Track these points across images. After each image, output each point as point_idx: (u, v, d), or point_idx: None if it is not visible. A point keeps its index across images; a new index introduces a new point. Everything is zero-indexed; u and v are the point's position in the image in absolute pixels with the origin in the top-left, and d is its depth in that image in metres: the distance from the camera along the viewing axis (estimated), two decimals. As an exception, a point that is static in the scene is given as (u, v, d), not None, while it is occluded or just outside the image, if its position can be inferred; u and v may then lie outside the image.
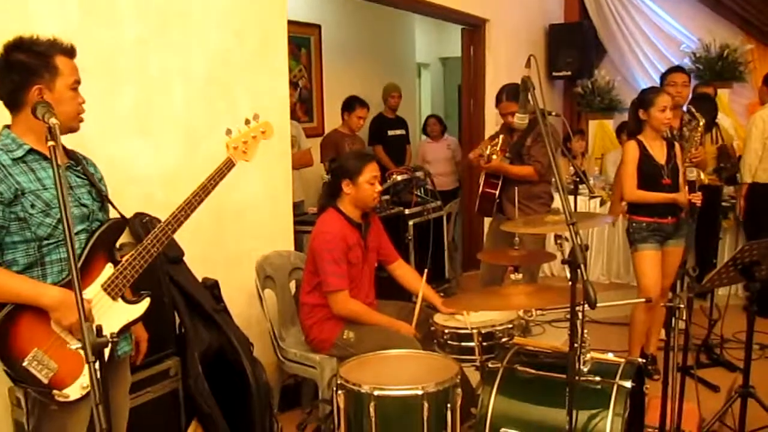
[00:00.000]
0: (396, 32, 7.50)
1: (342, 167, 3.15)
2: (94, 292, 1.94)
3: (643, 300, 3.40)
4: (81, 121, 2.00)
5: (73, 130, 1.98)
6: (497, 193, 4.07)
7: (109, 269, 1.99)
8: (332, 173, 3.17)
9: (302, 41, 6.03)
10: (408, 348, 2.68)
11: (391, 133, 6.24)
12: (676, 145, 3.83)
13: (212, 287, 3.08)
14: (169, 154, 3.12)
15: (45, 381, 1.84)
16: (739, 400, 2.92)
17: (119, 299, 1.99)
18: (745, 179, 5.00)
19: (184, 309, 2.88)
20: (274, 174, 3.71)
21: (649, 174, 3.72)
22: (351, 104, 5.46)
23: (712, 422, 3.02)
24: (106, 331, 1.54)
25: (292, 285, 3.56)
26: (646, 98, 3.72)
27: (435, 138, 6.76)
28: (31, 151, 1.91)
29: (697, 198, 3.74)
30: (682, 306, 2.53)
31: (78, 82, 1.97)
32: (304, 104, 6.16)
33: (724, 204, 5.21)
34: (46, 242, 1.90)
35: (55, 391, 1.84)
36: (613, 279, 5.98)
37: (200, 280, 3.05)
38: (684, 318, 2.59)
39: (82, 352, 1.45)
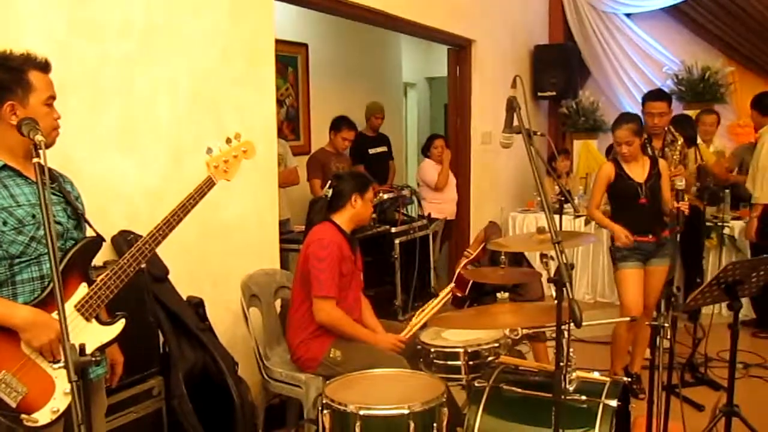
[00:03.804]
0: (383, 52, 7.56)
1: (353, 181, 3.23)
2: (67, 312, 1.89)
3: (628, 319, 3.42)
4: (56, 136, 1.97)
5: (47, 146, 1.94)
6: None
7: (83, 289, 1.94)
8: (339, 187, 3.21)
9: (289, 60, 6.06)
10: (395, 368, 2.67)
11: (372, 151, 6.15)
12: (661, 162, 3.86)
13: (197, 306, 3.06)
14: (154, 171, 3.11)
15: (13, 404, 1.78)
16: (724, 419, 2.94)
17: (93, 320, 1.94)
18: (760, 200, 4.80)
19: (168, 328, 2.86)
20: (261, 192, 3.71)
21: (624, 193, 3.77)
22: (338, 125, 5.45)
23: (697, 441, 3.03)
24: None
25: (278, 304, 3.54)
26: (611, 127, 3.84)
27: (440, 161, 6.05)
28: (4, 167, 1.88)
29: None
30: (666, 325, 2.55)
31: (53, 97, 1.94)
32: (291, 123, 6.17)
33: (707, 224, 5.24)
34: (17, 260, 1.86)
35: (23, 416, 1.78)
36: (598, 298, 6.02)
37: (185, 298, 3.03)
38: (669, 337, 2.61)
39: (64, 371, 1.43)
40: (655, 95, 4.29)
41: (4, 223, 1.83)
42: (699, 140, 5.30)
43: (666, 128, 4.23)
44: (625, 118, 3.84)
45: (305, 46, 6.24)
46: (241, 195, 3.50)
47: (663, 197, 3.81)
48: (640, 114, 4.08)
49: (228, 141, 2.20)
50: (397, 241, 4.90)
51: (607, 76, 7.43)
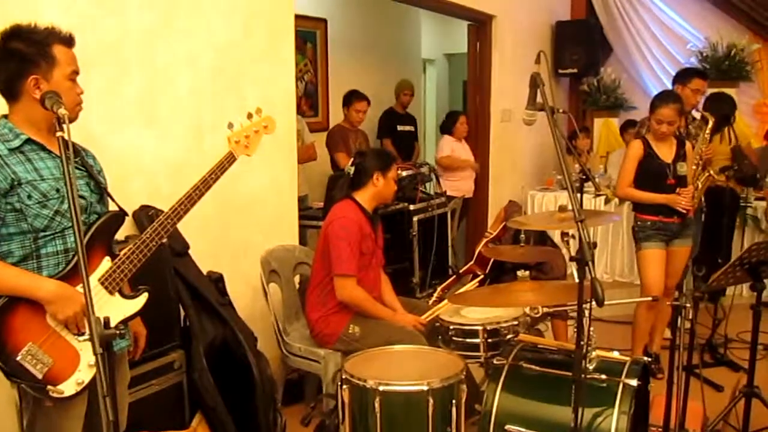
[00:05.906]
0: (402, 28, 7.48)
1: (376, 159, 3.23)
2: (91, 285, 1.91)
3: (650, 298, 3.39)
4: (79, 111, 1.97)
5: (70, 120, 1.92)
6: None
7: (106, 263, 1.95)
8: (361, 165, 3.21)
9: (308, 35, 6.02)
10: (413, 344, 2.68)
11: (400, 128, 6.19)
12: (687, 143, 3.80)
13: (217, 280, 3.08)
14: (175, 146, 3.11)
15: (39, 376, 1.80)
16: (744, 400, 2.92)
17: (116, 294, 1.95)
18: None
19: (189, 302, 2.88)
20: (280, 168, 3.71)
21: (652, 173, 3.71)
22: (349, 98, 5.46)
23: (716, 421, 3.01)
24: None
25: (297, 279, 3.56)
26: (653, 103, 3.71)
27: (461, 139, 6.03)
28: (28, 141, 1.88)
29: (686, 193, 3.64)
30: (688, 305, 2.52)
31: (76, 72, 1.93)
32: (310, 99, 6.14)
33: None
34: (42, 234, 1.87)
35: (49, 387, 1.80)
36: (617, 277, 5.97)
37: (205, 273, 3.05)
38: (690, 317, 2.58)
39: (89, 344, 1.44)
40: (700, 72, 4.19)
41: (29, 197, 1.84)
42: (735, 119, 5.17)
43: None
44: (671, 96, 3.74)
45: (324, 21, 6.18)
46: (260, 170, 3.50)
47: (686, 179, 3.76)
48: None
49: (249, 116, 2.20)
50: (415, 219, 4.89)
51: (630, 53, 7.29)
